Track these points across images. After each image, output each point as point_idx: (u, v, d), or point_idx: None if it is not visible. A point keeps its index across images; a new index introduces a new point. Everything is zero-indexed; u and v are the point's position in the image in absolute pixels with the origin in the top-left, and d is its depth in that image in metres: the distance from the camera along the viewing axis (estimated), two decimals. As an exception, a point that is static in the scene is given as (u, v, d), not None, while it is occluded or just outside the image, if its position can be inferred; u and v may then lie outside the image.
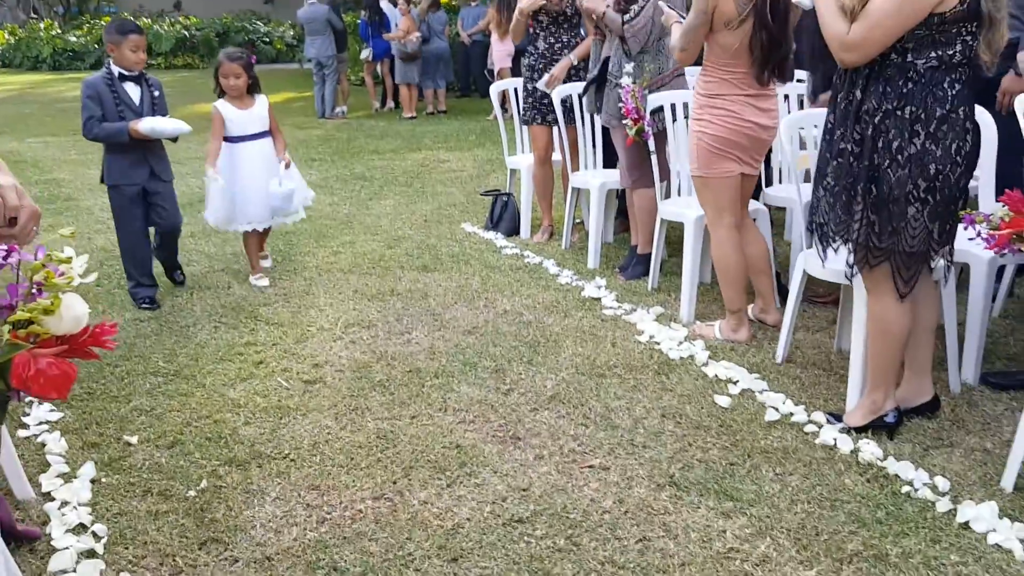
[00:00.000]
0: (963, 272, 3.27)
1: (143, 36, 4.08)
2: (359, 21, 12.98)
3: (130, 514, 2.47)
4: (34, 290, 1.44)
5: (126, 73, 4.03)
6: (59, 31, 23.51)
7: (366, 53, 12.30)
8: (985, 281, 3.11)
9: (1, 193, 1.51)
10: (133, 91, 4.06)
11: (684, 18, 3.55)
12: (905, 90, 2.52)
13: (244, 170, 4.41)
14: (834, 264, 2.95)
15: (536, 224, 5.54)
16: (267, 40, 24.19)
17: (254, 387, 3.31)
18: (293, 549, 2.31)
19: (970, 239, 2.57)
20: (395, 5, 11.88)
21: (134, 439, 2.90)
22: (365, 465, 2.73)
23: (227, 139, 4.41)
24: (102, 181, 4.16)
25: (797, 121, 3.40)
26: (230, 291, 4.47)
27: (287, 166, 4.47)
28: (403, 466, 2.71)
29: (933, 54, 2.49)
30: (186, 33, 22.35)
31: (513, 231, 5.54)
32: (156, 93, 4.14)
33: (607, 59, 4.46)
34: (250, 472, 2.70)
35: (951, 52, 2.48)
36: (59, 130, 10.72)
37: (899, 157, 2.54)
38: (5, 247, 1.40)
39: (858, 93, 2.60)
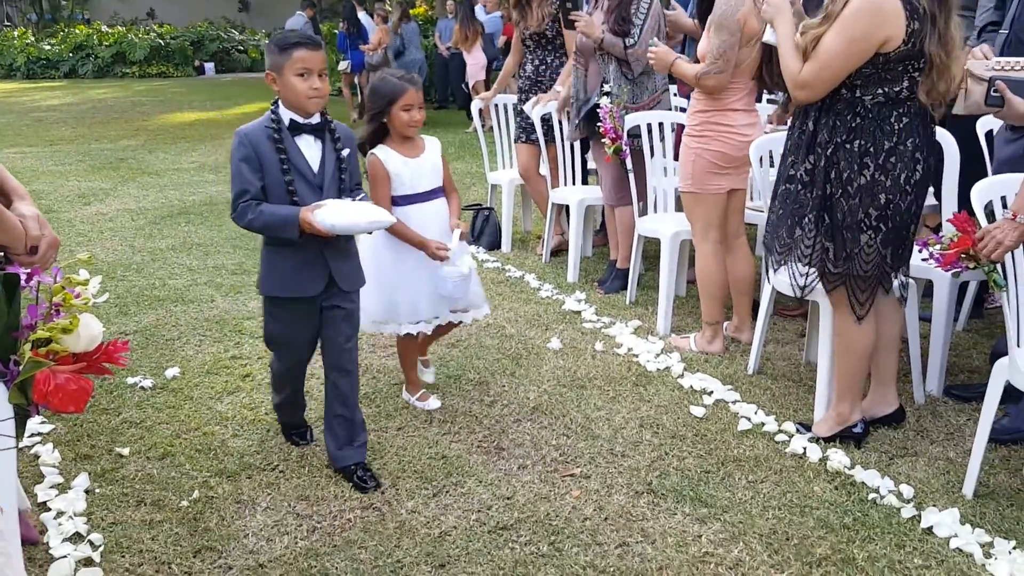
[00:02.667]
0: (930, 285, 3.41)
1: (320, 51, 2.54)
2: (337, 32, 13.06)
3: (125, 523, 2.54)
4: (53, 311, 1.51)
5: (300, 120, 2.56)
6: (32, 39, 23.33)
7: (344, 64, 12.37)
8: (947, 297, 3.26)
9: (24, 224, 1.59)
10: (310, 149, 2.59)
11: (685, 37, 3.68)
12: (854, 124, 2.66)
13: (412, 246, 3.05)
14: (783, 278, 3.09)
15: (517, 238, 5.64)
16: (242, 48, 24.19)
17: (241, 400, 3.38)
18: (285, 557, 2.39)
19: (923, 260, 2.72)
20: (371, 17, 11.99)
21: (125, 451, 2.96)
22: (353, 475, 2.80)
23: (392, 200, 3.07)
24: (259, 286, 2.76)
25: (766, 143, 3.54)
26: (214, 304, 4.52)
27: (461, 235, 3.08)
28: (390, 476, 2.79)
29: (880, 90, 2.63)
30: (160, 41, 22.28)
31: (494, 245, 5.64)
32: (344, 152, 2.64)
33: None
34: (240, 483, 2.77)
35: (897, 88, 2.63)
36: (36, 140, 10.68)
37: (849, 188, 2.69)
38: (27, 271, 1.48)
39: (811, 125, 2.76)
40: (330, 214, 2.46)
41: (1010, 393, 2.57)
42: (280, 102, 2.57)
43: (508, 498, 2.67)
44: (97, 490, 2.72)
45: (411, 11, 12.97)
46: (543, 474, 2.81)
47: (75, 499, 2.63)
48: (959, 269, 2.59)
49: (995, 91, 2.88)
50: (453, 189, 3.20)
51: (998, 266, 2.51)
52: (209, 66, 22.88)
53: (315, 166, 2.59)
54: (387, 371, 3.63)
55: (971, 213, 2.63)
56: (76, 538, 2.46)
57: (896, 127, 2.66)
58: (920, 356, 3.30)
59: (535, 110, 5.07)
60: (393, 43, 11.66)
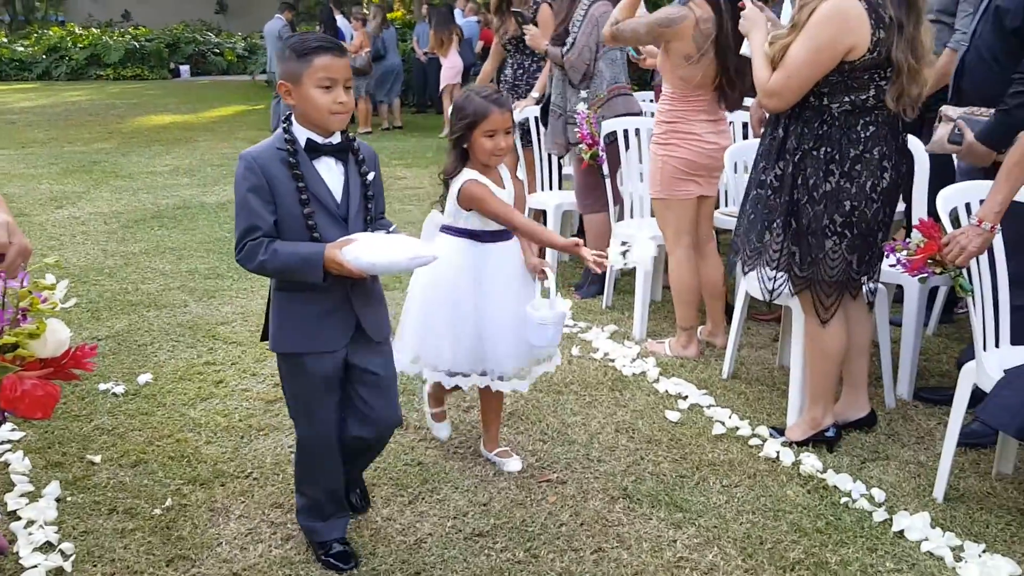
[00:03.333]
0: (901, 290, 3.45)
1: (346, 58, 2.13)
2: (314, 36, 13.01)
3: (97, 532, 2.51)
4: (20, 316, 1.50)
5: (319, 140, 2.13)
6: (5, 40, 23.06)
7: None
8: (917, 302, 3.30)
9: None
10: (331, 174, 2.16)
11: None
12: (821, 131, 2.70)
13: (493, 286, 2.64)
14: (754, 283, 3.12)
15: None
16: (218, 51, 24.02)
17: (215, 407, 3.36)
18: (259, 566, 2.37)
19: (891, 266, 2.76)
20: (349, 20, 11.97)
21: (97, 458, 2.93)
22: (328, 482, 2.79)
23: (469, 234, 2.66)
24: (264, 338, 2.31)
25: (741, 150, 3.57)
26: (187, 309, 4.49)
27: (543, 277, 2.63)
28: (366, 484, 2.78)
29: (847, 98, 2.67)
30: (135, 44, 22.09)
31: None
32: (370, 176, 2.22)
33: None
34: (214, 491, 2.75)
35: (864, 97, 2.67)
36: (8, 142, 10.55)
37: (815, 194, 2.73)
38: (-6, 278, 1.46)
39: (780, 131, 2.80)
40: (365, 251, 2.03)
41: (978, 397, 2.60)
42: (294, 118, 2.13)
43: (484, 504, 2.67)
44: (68, 498, 2.69)
45: (388, 15, 12.94)
46: (519, 480, 2.82)
47: (46, 508, 2.60)
48: (926, 274, 2.63)
49: (957, 130, 2.97)
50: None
51: (964, 271, 2.55)
52: (185, 69, 22.71)
53: (338, 194, 2.16)
54: (363, 377, 3.62)
55: (938, 219, 2.66)
56: (47, 547, 2.43)
57: (862, 135, 2.69)
58: (891, 360, 3.34)
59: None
60: (374, 46, 11.64)
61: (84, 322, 4.27)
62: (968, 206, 2.74)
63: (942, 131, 3.00)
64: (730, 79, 3.57)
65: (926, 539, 2.48)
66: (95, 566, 2.36)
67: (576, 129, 4.38)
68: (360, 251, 2.04)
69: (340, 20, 12.12)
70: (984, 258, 2.62)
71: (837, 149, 2.71)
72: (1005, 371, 2.43)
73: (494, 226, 2.62)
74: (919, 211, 3.46)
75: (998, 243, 2.64)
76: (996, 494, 2.72)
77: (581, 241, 2.55)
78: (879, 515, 2.59)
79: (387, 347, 2.36)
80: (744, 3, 3.01)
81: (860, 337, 3.01)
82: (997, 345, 2.70)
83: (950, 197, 2.72)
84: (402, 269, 2.19)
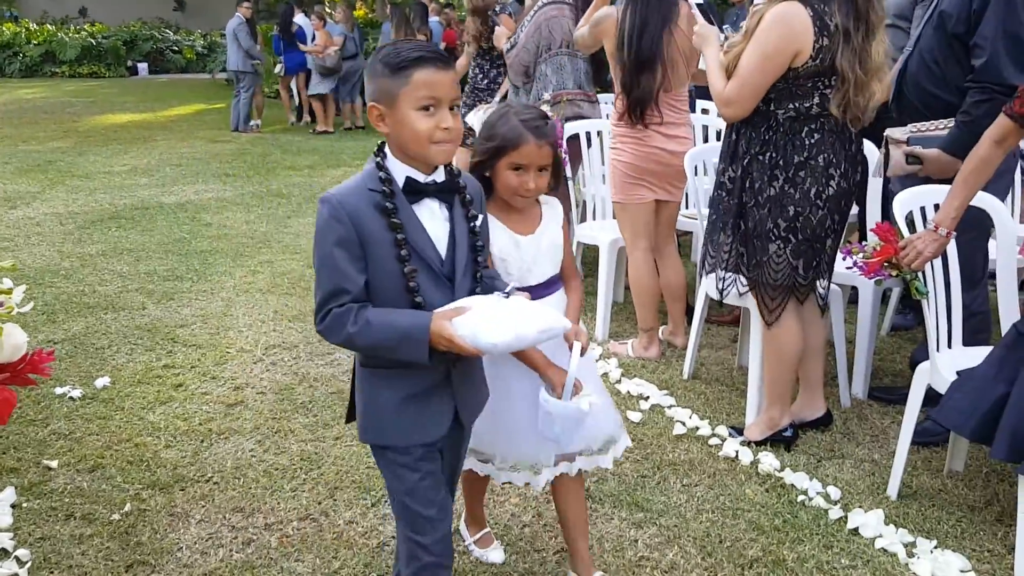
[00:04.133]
0: (856, 292, 3.52)
1: (452, 70, 1.69)
2: (272, 34, 12.91)
3: (53, 538, 2.47)
4: (-25, 323, 1.48)
5: (420, 179, 1.71)
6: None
7: (280, 67, 12.25)
8: (871, 303, 3.37)
9: None
10: (434, 220, 1.74)
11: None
12: (767, 137, 2.77)
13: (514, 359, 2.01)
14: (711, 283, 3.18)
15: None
16: (176, 49, 23.71)
17: (174, 410, 3.32)
18: (220, 570, 2.36)
19: (847, 268, 2.82)
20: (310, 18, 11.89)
21: (54, 463, 2.88)
22: (290, 487, 2.78)
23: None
24: (348, 419, 1.92)
25: (700, 154, 3.62)
26: (145, 312, 4.43)
27: (583, 351, 1.92)
28: (328, 487, 2.78)
29: (791, 105, 2.73)
30: (92, 41, 21.71)
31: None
32: (479, 221, 1.80)
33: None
34: (174, 495, 2.72)
35: (807, 104, 2.72)
36: (-43, 141, 10.32)
37: (759, 198, 2.79)
38: (-51, 285, 1.43)
39: (734, 136, 2.86)
40: (483, 325, 1.60)
41: (931, 396, 2.67)
42: (388, 150, 1.71)
43: (447, 506, 2.67)
44: (24, 504, 2.64)
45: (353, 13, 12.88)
46: (482, 481, 2.83)
47: (1, 514, 2.55)
48: (882, 277, 2.68)
49: (912, 153, 3.03)
50: (575, 274, 2.19)
51: (919, 274, 2.61)
52: (142, 66, 22.37)
53: (442, 247, 1.73)
54: (324, 379, 3.61)
55: (894, 222, 2.72)
56: (2, 554, 2.39)
57: (807, 142, 2.75)
58: (846, 361, 3.41)
59: (476, 117, 5.09)
60: (345, 45, 11.58)
61: (40, 325, 4.19)
62: (923, 210, 2.81)
63: (896, 154, 3.05)
64: (623, 87, 3.60)
65: (880, 536, 2.54)
66: (52, 573, 2.33)
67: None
68: (477, 325, 1.60)
69: (301, 18, 12.00)
70: (938, 262, 2.69)
71: (781, 155, 2.77)
72: (958, 373, 2.49)
73: (534, 279, 2.07)
74: (873, 214, 3.53)
75: (951, 247, 2.71)
76: (948, 491, 2.78)
77: (549, 365, 1.95)
78: (835, 512, 2.65)
79: (467, 432, 1.96)
80: (696, 19, 3.07)
81: (815, 339, 3.07)
82: (950, 346, 2.77)
83: (906, 201, 2.78)
84: (530, 344, 1.70)
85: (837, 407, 3.35)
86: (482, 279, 1.80)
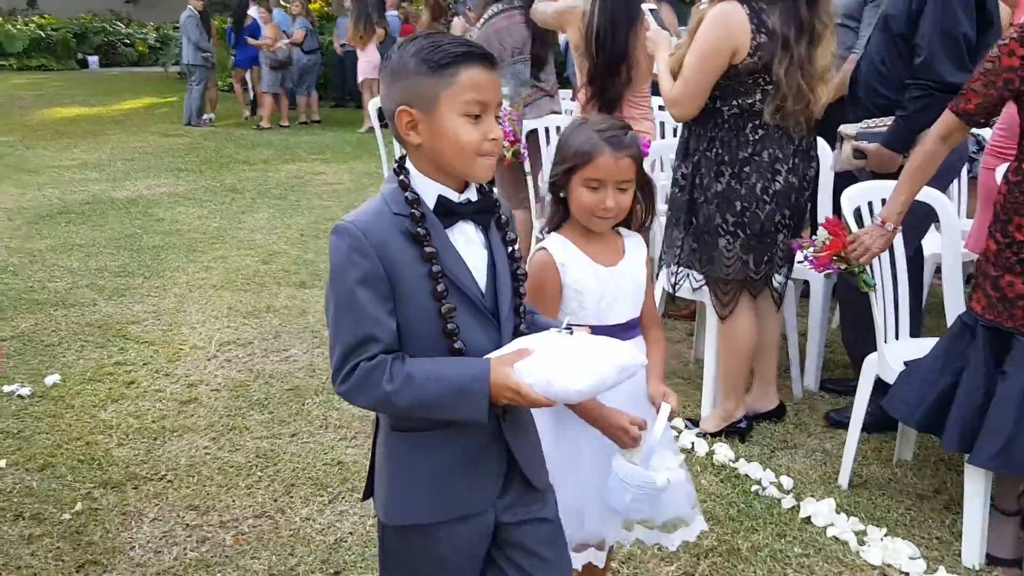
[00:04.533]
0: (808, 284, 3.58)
1: (494, 69, 1.40)
2: (227, 27, 12.73)
3: (1, 539, 2.42)
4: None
5: (454, 198, 1.43)
6: None
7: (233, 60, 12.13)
8: (822, 297, 3.43)
9: None
10: (471, 247, 1.45)
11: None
12: (713, 134, 2.82)
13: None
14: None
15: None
16: (128, 42, 23.25)
17: (126, 408, 3.27)
18: (174, 569, 2.33)
19: (799, 262, 2.86)
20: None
21: (2, 462, 2.82)
22: (245, 484, 2.75)
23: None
24: (366, 497, 1.59)
25: (655, 150, 3.65)
26: (95, 308, 4.35)
27: (671, 415, 1.67)
28: (284, 484, 2.75)
29: (735, 102, 2.78)
30: (41, 33, 21.19)
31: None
32: (516, 244, 1.53)
33: None
34: (126, 494, 2.68)
35: (750, 101, 2.77)
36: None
37: (708, 193, 2.85)
38: None
39: (686, 133, 2.92)
40: (556, 369, 1.32)
41: (880, 386, 2.72)
42: (412, 165, 1.42)
43: (404, 501, 2.67)
44: (-30, 506, 2.59)
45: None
46: (440, 476, 2.82)
47: (-55, 516, 2.50)
48: (832, 271, 2.73)
49: (858, 148, 3.09)
50: (657, 323, 1.93)
51: (868, 268, 2.66)
52: (93, 59, 21.90)
53: (482, 278, 1.44)
54: (279, 376, 3.57)
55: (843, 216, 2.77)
56: (-54, 557, 2.34)
57: (751, 138, 2.79)
58: (799, 353, 3.46)
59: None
60: (307, 39, 11.47)
61: (-15, 322, 4.10)
62: (871, 205, 2.86)
63: (846, 149, 3.11)
64: (592, 82, 3.61)
65: (832, 524, 2.58)
66: (0, 574, 2.28)
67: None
68: (549, 370, 1.32)
69: (254, 11, 11.83)
70: (886, 255, 2.74)
71: (727, 151, 2.81)
72: (905, 363, 2.55)
73: (613, 317, 1.82)
74: (824, 210, 3.59)
75: (899, 241, 2.77)
76: (897, 480, 2.85)
77: (615, 414, 1.66)
78: (787, 502, 2.69)
79: (551, 496, 1.58)
80: (649, 24, 3.09)
81: (770, 333, 3.12)
82: (897, 337, 2.83)
83: (854, 196, 2.84)
84: (608, 388, 1.38)
85: (790, 398, 3.40)
86: (526, 314, 1.53)
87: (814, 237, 2.74)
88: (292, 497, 2.68)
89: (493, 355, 1.37)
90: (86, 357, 3.73)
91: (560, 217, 1.86)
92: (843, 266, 2.68)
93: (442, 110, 1.35)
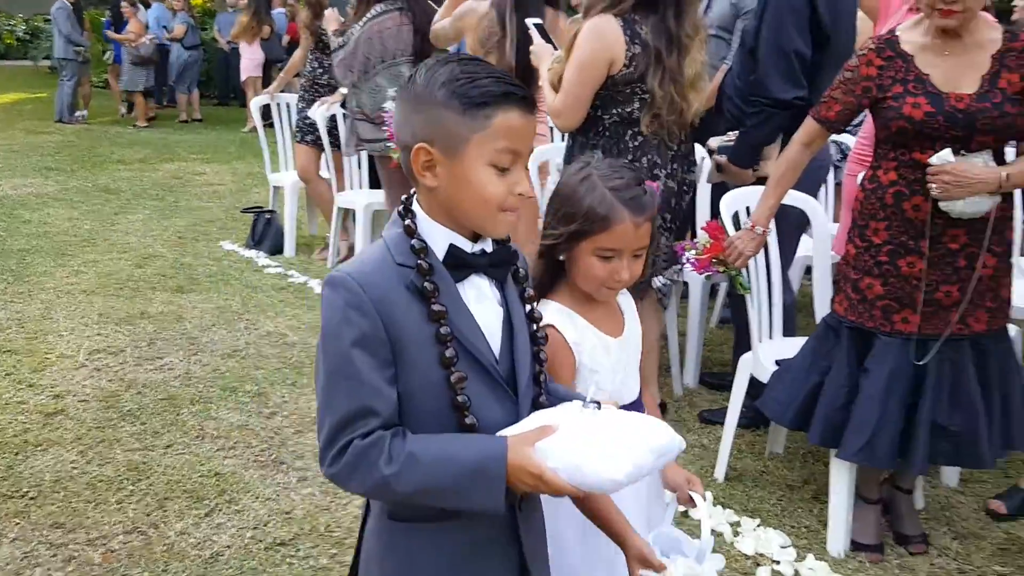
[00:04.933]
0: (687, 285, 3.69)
1: (536, 113, 1.21)
2: (104, 20, 12.17)
3: None
4: None
5: (467, 249, 1.22)
6: None
7: (109, 55, 11.60)
8: (700, 298, 3.53)
9: None
10: (484, 304, 1.24)
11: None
12: (595, 141, 2.89)
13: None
14: None
15: (301, 242, 5.52)
16: (-6, 34, 21.95)
17: (-14, 421, 3.08)
18: (36, 592, 2.21)
19: (681, 265, 2.94)
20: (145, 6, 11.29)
21: None
22: (115, 499, 2.64)
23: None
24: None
25: (542, 154, 3.68)
26: (-46, 316, 4.09)
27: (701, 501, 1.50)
28: (157, 498, 2.65)
29: (615, 110, 2.85)
30: None
31: (277, 250, 5.48)
32: (536, 303, 1.35)
33: None
34: (-16, 514, 2.53)
35: (629, 109, 2.85)
36: None
37: None
38: None
39: (571, 141, 2.99)
40: (586, 452, 1.12)
41: (755, 383, 2.83)
42: (421, 208, 1.23)
43: (287, 512, 2.61)
44: None
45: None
46: (324, 485, 2.77)
47: None
48: (711, 272, 2.82)
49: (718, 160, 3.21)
50: (652, 380, 1.73)
51: (743, 270, 2.76)
52: (-47, 51, 20.60)
53: (495, 342, 1.25)
54: (153, 385, 3.44)
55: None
56: None
57: (631, 145, 2.86)
58: (678, 353, 3.56)
59: (319, 111, 4.99)
60: (187, 35, 11.06)
61: None
62: (748, 209, 2.96)
63: (710, 162, 3.22)
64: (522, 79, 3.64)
65: (708, 517, 2.66)
66: None
67: (385, 128, 4.35)
68: (577, 453, 1.12)
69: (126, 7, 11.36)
70: (760, 257, 2.84)
71: (609, 157, 2.87)
72: (777, 362, 2.65)
73: (627, 395, 1.63)
74: (702, 213, 3.70)
75: (773, 243, 2.88)
76: (769, 472, 2.96)
77: (633, 536, 1.39)
78: (666, 496, 2.75)
79: None
80: (533, 38, 3.11)
81: (650, 336, 3.18)
82: (771, 337, 2.94)
83: (732, 201, 2.93)
84: (644, 476, 1.17)
85: (670, 396, 3.49)
86: (546, 384, 1.31)
87: (695, 240, 2.82)
88: (166, 511, 2.58)
89: (510, 432, 1.18)
90: (-60, 369, 3.50)
91: (550, 279, 1.61)
92: (721, 269, 2.77)
93: (469, 156, 1.16)
